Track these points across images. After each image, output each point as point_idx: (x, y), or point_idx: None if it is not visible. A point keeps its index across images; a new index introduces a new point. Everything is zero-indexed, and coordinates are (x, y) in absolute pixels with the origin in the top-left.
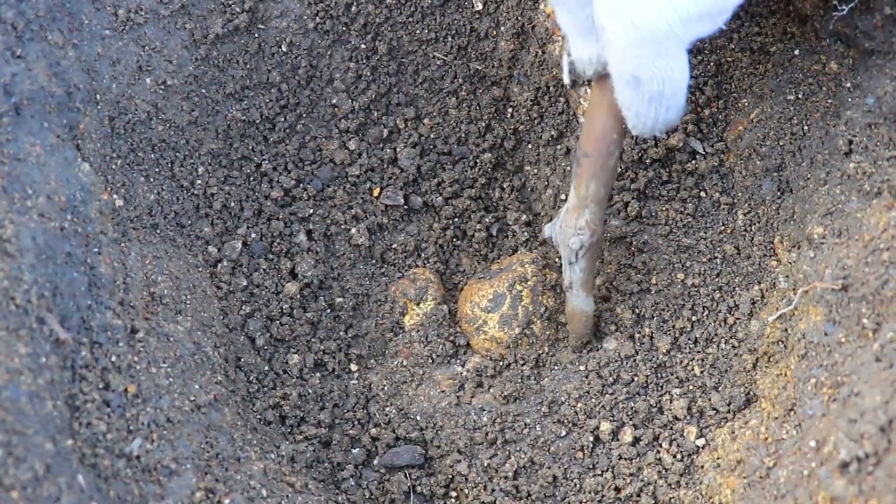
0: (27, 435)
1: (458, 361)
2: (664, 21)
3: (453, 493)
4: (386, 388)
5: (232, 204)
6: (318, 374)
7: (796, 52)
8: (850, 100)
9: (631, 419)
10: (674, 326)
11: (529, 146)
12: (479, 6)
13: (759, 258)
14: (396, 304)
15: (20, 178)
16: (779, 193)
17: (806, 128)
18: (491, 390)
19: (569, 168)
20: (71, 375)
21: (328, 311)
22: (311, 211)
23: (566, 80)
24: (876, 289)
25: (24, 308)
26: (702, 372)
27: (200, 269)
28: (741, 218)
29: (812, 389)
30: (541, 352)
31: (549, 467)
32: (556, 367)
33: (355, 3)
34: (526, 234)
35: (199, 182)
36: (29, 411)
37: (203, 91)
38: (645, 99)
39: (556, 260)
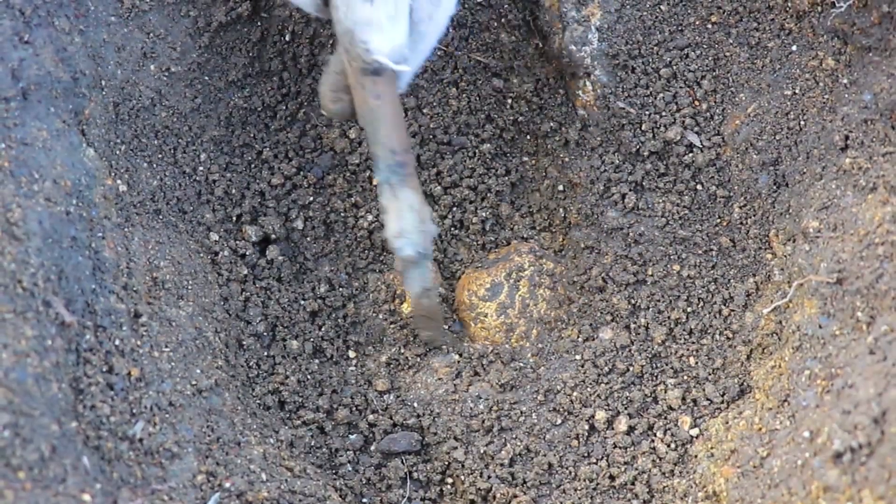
0: (33, 416)
1: (455, 350)
2: None
3: (449, 480)
4: (383, 374)
5: (233, 191)
6: (316, 361)
7: (793, 47)
8: (846, 96)
9: (626, 408)
10: (669, 317)
11: (529, 137)
12: None
13: (754, 251)
14: (395, 291)
15: (27, 162)
16: (775, 187)
17: (802, 123)
18: (487, 378)
19: (567, 159)
20: (76, 358)
21: (327, 297)
22: (312, 198)
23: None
24: (870, 283)
25: (31, 291)
26: (696, 362)
27: (202, 254)
28: (737, 211)
29: (806, 381)
30: (537, 341)
31: (545, 455)
32: (552, 356)
33: None
34: (524, 224)
35: (201, 169)
36: (35, 393)
37: (206, 78)
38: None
39: (553, 250)
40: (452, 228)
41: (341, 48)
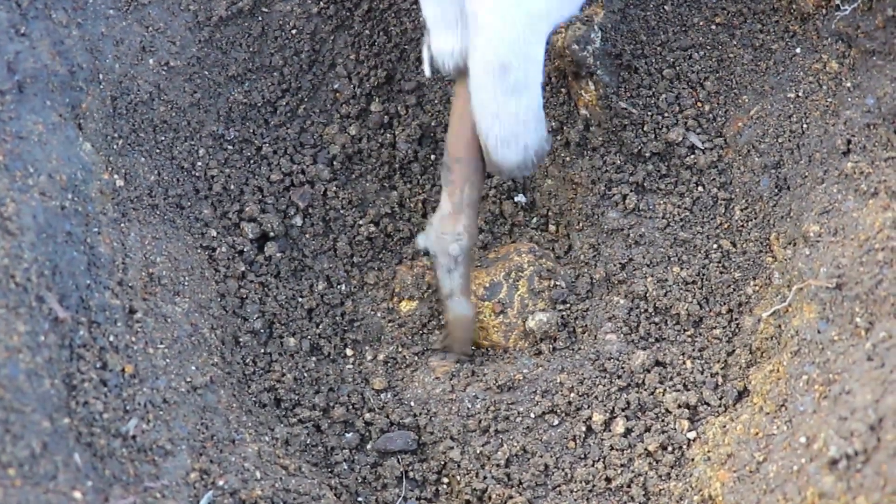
0: (25, 413)
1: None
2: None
3: (445, 480)
4: (381, 373)
5: (232, 187)
6: (313, 358)
7: (797, 50)
8: (849, 99)
9: (623, 410)
10: (668, 319)
11: None
12: None
13: (754, 254)
14: (393, 290)
15: (22, 156)
16: (776, 190)
17: (805, 126)
18: (485, 378)
19: (569, 159)
20: (69, 354)
21: (325, 295)
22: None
23: (427, 72)
24: (870, 288)
25: (24, 286)
26: (694, 365)
27: (199, 250)
28: (738, 213)
29: (804, 386)
30: (535, 341)
31: (541, 456)
32: (550, 357)
33: None
34: (523, 223)
35: (199, 164)
36: (27, 389)
37: (205, 73)
38: (509, 89)
39: (552, 250)
40: None
41: None
